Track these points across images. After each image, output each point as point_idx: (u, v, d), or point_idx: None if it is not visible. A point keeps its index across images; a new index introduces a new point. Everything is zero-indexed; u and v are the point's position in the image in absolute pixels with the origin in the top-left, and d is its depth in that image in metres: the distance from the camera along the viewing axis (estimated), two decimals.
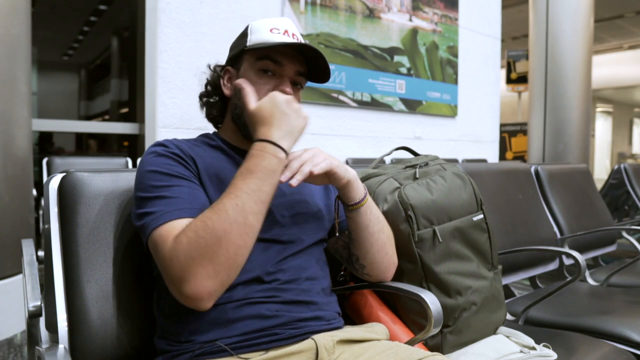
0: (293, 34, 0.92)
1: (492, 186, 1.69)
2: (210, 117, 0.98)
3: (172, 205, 0.77)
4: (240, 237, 0.72)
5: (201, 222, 0.72)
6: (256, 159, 0.76)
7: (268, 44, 0.87)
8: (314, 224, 0.93)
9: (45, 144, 5.89)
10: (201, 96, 0.98)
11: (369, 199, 0.92)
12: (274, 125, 0.78)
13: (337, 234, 0.98)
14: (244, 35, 0.93)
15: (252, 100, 0.83)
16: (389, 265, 0.98)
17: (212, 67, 0.98)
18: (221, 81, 0.95)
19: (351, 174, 0.88)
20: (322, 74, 0.94)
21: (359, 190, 0.90)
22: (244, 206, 0.73)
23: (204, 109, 0.98)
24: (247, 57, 0.91)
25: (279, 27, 0.90)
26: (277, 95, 0.81)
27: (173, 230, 0.74)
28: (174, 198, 0.77)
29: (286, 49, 0.89)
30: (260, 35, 0.90)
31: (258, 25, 0.92)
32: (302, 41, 0.92)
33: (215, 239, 0.71)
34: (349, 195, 0.89)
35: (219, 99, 0.96)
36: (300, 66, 0.91)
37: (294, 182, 0.78)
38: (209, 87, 0.97)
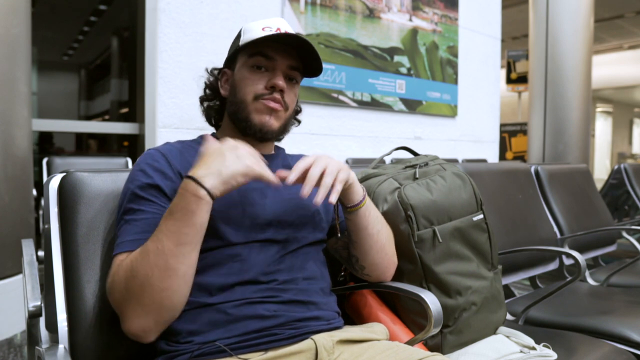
0: (286, 32, 0.91)
1: (492, 186, 1.69)
2: (210, 120, 1.00)
3: (128, 235, 0.78)
4: (162, 280, 0.72)
5: (130, 262, 0.74)
6: (177, 197, 0.74)
7: (257, 39, 0.88)
8: (311, 224, 0.93)
9: (46, 144, 5.89)
10: (201, 100, 1.00)
11: (368, 200, 0.92)
12: (203, 163, 0.75)
13: (339, 235, 0.98)
14: (237, 37, 0.95)
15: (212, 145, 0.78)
16: (389, 265, 0.98)
17: (209, 71, 0.99)
18: (219, 83, 0.97)
19: (352, 177, 0.88)
20: (316, 67, 0.94)
21: (358, 192, 0.90)
22: (163, 249, 0.72)
23: (204, 110, 1.00)
24: (240, 56, 0.93)
25: (271, 25, 0.91)
26: (228, 140, 0.78)
27: (115, 264, 0.77)
28: (135, 225, 0.79)
29: (278, 44, 0.90)
30: (252, 34, 0.91)
31: (251, 25, 0.93)
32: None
33: (138, 283, 0.72)
34: (348, 198, 0.89)
35: (218, 102, 0.98)
36: (294, 61, 0.92)
37: (319, 199, 0.76)
38: (207, 91, 0.98)
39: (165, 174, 0.83)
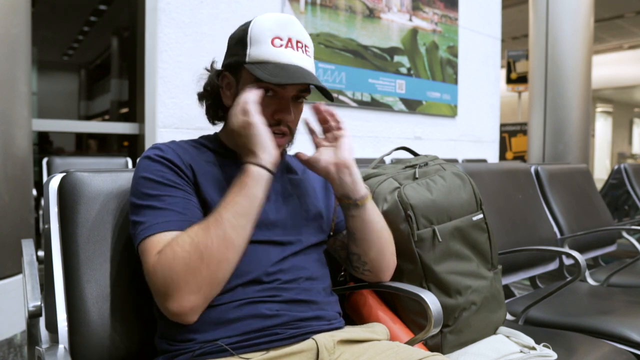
0: (297, 42, 0.85)
1: (492, 186, 1.69)
2: (209, 116, 0.97)
3: (160, 217, 0.78)
4: (220, 251, 0.74)
5: (188, 237, 0.75)
6: (236, 177, 0.79)
7: (268, 73, 0.81)
8: (313, 225, 0.93)
9: (45, 144, 5.89)
10: (200, 96, 0.96)
11: (371, 197, 0.94)
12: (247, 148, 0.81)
13: (331, 233, 0.98)
14: (243, 42, 0.86)
15: None
16: (389, 264, 0.98)
17: (209, 69, 0.95)
18: (220, 89, 0.92)
19: (356, 168, 0.91)
20: (328, 95, 0.90)
21: (363, 185, 0.92)
22: (222, 220, 0.75)
23: (204, 108, 0.97)
24: (245, 72, 0.86)
25: (281, 35, 0.84)
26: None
27: (158, 244, 0.76)
28: (164, 209, 0.78)
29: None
30: (262, 49, 0.84)
31: (259, 32, 0.84)
32: (307, 46, 0.87)
33: (197, 253, 0.73)
34: (354, 190, 0.90)
35: (219, 103, 0.94)
36: (303, 84, 0.87)
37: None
38: (207, 90, 0.94)
39: (178, 165, 0.83)
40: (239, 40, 0.88)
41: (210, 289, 0.75)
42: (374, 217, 0.93)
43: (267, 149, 0.80)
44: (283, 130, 0.88)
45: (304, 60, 0.86)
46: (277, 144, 0.84)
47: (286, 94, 0.86)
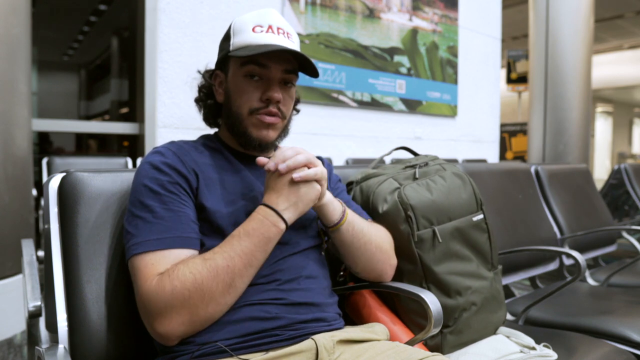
0: (278, 29, 0.88)
1: (492, 186, 1.69)
2: (207, 120, 0.98)
3: (153, 232, 0.77)
4: (223, 296, 0.75)
5: (191, 273, 0.74)
6: (256, 223, 0.78)
7: (249, 51, 0.84)
8: (310, 228, 0.93)
9: (45, 144, 5.90)
10: (196, 100, 0.98)
11: (350, 216, 0.90)
12: (282, 195, 0.79)
13: (325, 244, 0.97)
14: (227, 36, 0.91)
15: (272, 164, 0.80)
16: (384, 268, 0.98)
17: (202, 72, 0.97)
18: (213, 87, 0.95)
19: (327, 196, 0.87)
20: (312, 68, 0.91)
21: (336, 210, 0.88)
22: (234, 268, 0.75)
23: (202, 112, 0.98)
24: (232, 61, 0.90)
25: (262, 23, 0.88)
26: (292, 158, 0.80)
27: (152, 267, 0.76)
28: (156, 224, 0.78)
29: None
30: (243, 36, 0.87)
31: (240, 24, 0.89)
32: (289, 33, 0.90)
33: (199, 294, 0.73)
34: (326, 217, 0.88)
35: (214, 103, 0.96)
36: (288, 64, 0.89)
37: (282, 167, 0.78)
38: (202, 92, 0.96)
39: (180, 172, 0.83)
40: (224, 38, 0.92)
41: (202, 324, 0.76)
42: (353, 238, 0.90)
43: (302, 207, 0.80)
44: (273, 111, 0.87)
45: (287, 42, 0.88)
46: (267, 122, 0.87)
47: (272, 74, 0.87)
